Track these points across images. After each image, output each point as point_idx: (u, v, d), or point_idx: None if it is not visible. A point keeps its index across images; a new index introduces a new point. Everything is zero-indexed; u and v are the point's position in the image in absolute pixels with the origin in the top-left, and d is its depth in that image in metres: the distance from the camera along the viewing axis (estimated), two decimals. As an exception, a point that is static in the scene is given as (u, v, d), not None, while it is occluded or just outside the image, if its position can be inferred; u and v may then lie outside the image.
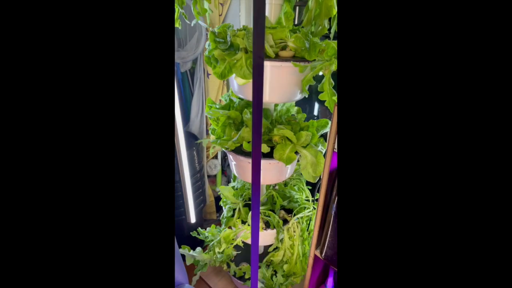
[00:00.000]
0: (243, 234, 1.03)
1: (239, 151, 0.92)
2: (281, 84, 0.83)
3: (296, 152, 0.90)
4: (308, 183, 1.22)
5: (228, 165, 1.65)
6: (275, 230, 1.03)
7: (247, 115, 0.89)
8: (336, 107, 0.69)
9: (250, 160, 0.93)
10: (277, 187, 1.16)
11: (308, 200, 1.13)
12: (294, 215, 1.08)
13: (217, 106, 0.98)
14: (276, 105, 1.03)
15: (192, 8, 0.86)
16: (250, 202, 1.11)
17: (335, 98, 0.73)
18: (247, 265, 1.16)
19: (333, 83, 0.73)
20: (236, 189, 1.13)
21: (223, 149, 0.94)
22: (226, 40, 0.77)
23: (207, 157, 1.57)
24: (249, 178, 1.00)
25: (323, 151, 0.91)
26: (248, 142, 0.91)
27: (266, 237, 1.06)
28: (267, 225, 1.04)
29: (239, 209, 1.07)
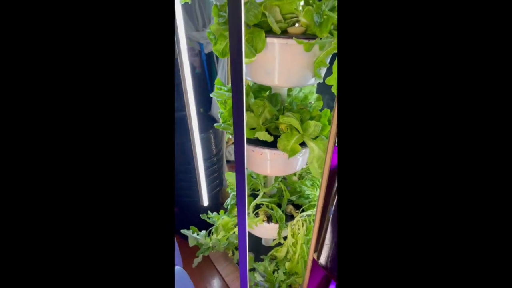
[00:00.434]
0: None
1: (242, 137, 0.87)
2: (290, 65, 0.74)
3: (304, 144, 0.81)
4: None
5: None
6: (278, 225, 0.96)
7: (252, 99, 0.82)
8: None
9: (254, 148, 0.86)
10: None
11: (321, 198, 1.04)
12: (303, 211, 1.00)
13: (226, 88, 0.93)
14: (290, 90, 0.93)
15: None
16: (255, 191, 1.05)
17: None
18: (250, 256, 1.12)
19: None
20: (243, 177, 1.08)
21: (228, 134, 0.89)
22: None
23: (228, 142, 1.54)
24: (253, 167, 0.94)
25: (335, 145, 0.80)
26: (251, 129, 0.84)
27: (269, 230, 1.00)
28: (270, 218, 0.97)
29: (244, 198, 1.02)
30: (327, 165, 0.64)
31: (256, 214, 0.99)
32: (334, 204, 0.65)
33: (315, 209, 0.98)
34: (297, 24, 0.71)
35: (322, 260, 0.71)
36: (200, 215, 1.19)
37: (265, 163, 0.90)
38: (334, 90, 0.63)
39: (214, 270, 1.46)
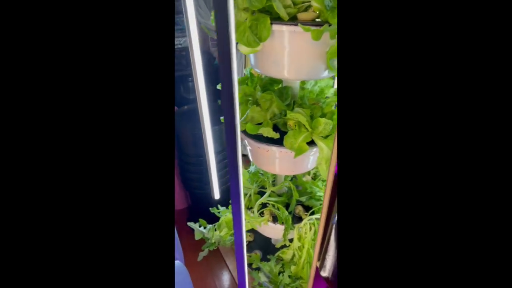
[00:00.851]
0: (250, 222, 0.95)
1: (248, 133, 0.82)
2: (300, 56, 0.67)
3: (313, 143, 0.75)
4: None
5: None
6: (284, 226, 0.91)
7: (259, 93, 0.76)
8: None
9: (260, 145, 0.81)
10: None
11: (334, 201, 0.96)
12: (312, 214, 0.94)
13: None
14: (303, 83, 0.86)
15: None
16: (263, 189, 1.00)
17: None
18: (257, 254, 1.09)
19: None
20: (250, 173, 1.04)
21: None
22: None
23: (243, 135, 1.50)
24: (261, 165, 0.89)
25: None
26: (258, 124, 0.79)
27: (275, 231, 0.95)
28: (276, 219, 0.92)
29: (250, 195, 0.98)
30: (332, 168, 0.57)
31: (262, 214, 0.94)
32: (336, 211, 0.59)
33: (325, 213, 0.91)
34: (310, 10, 0.64)
35: (324, 272, 0.65)
36: (210, 209, 1.17)
37: (273, 161, 0.84)
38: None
39: (223, 264, 1.45)
